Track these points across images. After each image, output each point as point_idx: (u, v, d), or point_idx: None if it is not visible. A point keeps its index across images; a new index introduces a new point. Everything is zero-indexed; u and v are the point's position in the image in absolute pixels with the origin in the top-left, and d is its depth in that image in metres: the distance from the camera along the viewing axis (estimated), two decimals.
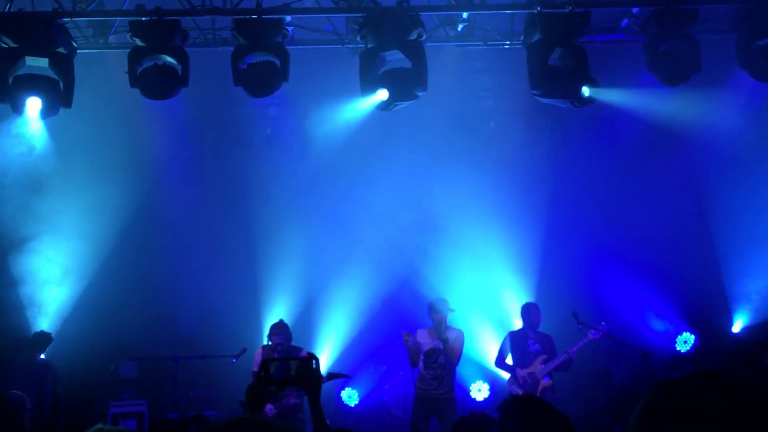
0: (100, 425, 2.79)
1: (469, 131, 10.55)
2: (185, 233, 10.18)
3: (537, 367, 8.53)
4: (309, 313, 10.48)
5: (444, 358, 8.03)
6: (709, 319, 10.29)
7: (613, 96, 8.25)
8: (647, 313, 10.36)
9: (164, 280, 10.41)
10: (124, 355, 9.97)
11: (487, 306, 10.42)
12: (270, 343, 8.30)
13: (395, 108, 7.57)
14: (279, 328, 8.29)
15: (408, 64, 7.42)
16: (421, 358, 8.10)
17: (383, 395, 10.16)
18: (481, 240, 10.28)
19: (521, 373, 8.54)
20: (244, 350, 9.00)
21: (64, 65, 7.17)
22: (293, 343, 8.44)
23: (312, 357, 2.65)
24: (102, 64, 8.21)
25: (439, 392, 7.98)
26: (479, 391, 10.09)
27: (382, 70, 7.47)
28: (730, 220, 9.71)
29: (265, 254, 10.48)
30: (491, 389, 10.21)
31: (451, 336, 8.05)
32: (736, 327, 10.09)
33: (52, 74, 7.17)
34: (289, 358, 2.63)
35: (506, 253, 10.28)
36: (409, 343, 7.99)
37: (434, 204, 10.16)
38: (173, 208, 10.23)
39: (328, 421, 2.78)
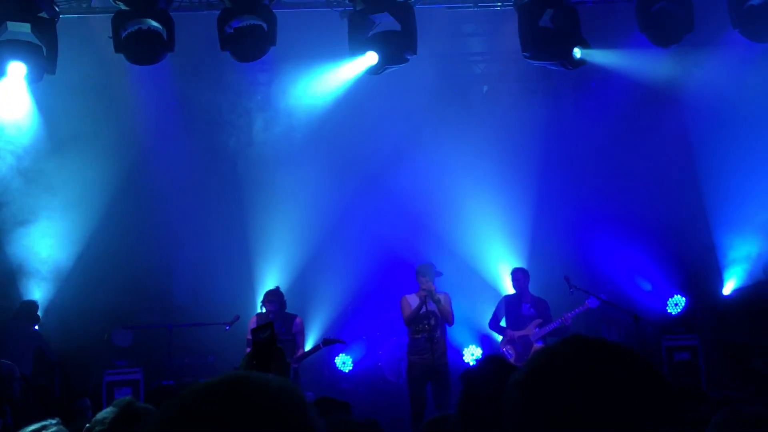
0: (129, 398, 2.79)
1: (461, 95, 10.47)
2: (177, 201, 10.12)
3: (531, 330, 8.57)
4: (302, 279, 10.47)
5: (435, 321, 7.93)
6: (699, 281, 10.33)
7: (605, 57, 8.16)
8: (639, 275, 10.40)
9: (157, 248, 10.39)
10: (117, 324, 9.98)
11: (479, 271, 10.44)
12: (264, 310, 8.31)
13: (385, 71, 7.49)
14: (272, 295, 8.27)
15: (397, 26, 7.33)
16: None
17: (377, 360, 10.22)
18: (473, 204, 10.25)
19: (514, 335, 8.59)
20: (237, 317, 9.03)
21: (46, 30, 7.05)
22: (288, 310, 8.45)
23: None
24: (86, 28, 8.07)
25: (434, 357, 7.83)
26: (473, 356, 10.16)
27: (371, 32, 7.37)
28: (722, 181, 9.69)
29: (257, 221, 10.45)
30: (484, 353, 10.28)
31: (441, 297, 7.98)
32: (727, 289, 10.13)
33: (34, 39, 7.05)
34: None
35: (499, 216, 10.26)
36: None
37: (426, 169, 10.10)
38: (164, 175, 10.16)
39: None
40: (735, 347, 9.25)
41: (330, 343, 8.48)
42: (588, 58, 7.68)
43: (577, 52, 7.42)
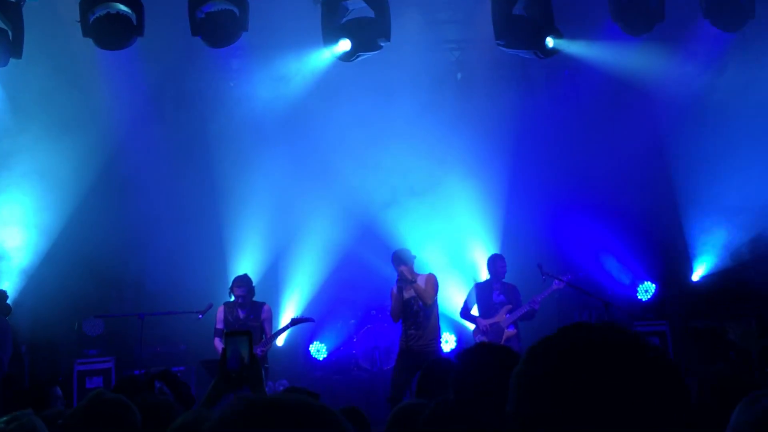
0: (99, 389, 2.75)
1: (435, 83, 10.45)
2: (149, 188, 10.00)
3: (502, 317, 8.63)
4: (276, 267, 10.45)
5: (417, 307, 7.77)
6: (669, 268, 10.49)
7: (577, 47, 8.22)
8: (610, 263, 10.52)
9: (129, 236, 10.26)
10: (88, 312, 9.87)
11: (452, 257, 10.48)
12: (232, 298, 8.28)
13: (358, 58, 7.46)
14: (240, 281, 8.23)
15: (371, 13, 7.30)
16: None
17: (351, 348, 10.23)
18: (446, 191, 10.28)
19: (485, 323, 8.64)
20: (210, 306, 8.96)
21: (12, 14, 6.92)
22: (257, 299, 8.40)
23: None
24: (53, 12, 7.91)
25: (420, 344, 7.66)
26: (446, 342, 10.20)
27: (345, 19, 7.34)
28: (692, 169, 9.82)
29: (230, 209, 10.38)
30: (458, 340, 10.36)
31: (420, 279, 7.79)
32: (696, 276, 10.31)
33: (0, 24, 6.89)
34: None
35: (472, 203, 10.30)
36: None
37: (400, 155, 10.08)
38: (135, 163, 10.03)
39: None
40: (703, 333, 9.44)
41: (299, 322, 8.53)
42: (560, 48, 7.73)
43: (550, 42, 7.47)
